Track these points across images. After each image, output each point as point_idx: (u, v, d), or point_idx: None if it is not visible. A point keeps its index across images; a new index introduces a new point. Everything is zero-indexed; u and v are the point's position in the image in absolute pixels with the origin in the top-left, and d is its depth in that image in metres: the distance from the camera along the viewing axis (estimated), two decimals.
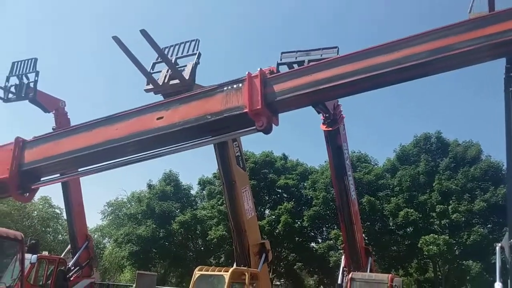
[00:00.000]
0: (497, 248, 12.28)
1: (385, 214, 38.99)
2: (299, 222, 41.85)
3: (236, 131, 5.94)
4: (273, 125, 5.51)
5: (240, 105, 5.49)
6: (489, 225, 37.00)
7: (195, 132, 5.85)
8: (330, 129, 12.85)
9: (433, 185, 37.96)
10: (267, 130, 5.43)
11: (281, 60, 10.77)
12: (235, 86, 5.60)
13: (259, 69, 5.58)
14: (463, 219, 35.71)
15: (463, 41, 4.68)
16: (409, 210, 37.63)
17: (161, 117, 5.90)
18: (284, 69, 9.25)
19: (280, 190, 43.84)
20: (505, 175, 36.47)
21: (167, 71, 10.85)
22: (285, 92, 5.41)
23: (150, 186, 47.57)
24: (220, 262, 41.42)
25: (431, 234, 35.69)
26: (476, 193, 36.57)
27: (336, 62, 5.32)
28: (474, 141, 40.12)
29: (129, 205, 55.15)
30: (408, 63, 4.87)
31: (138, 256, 43.19)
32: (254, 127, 5.46)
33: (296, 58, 10.71)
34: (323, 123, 12.92)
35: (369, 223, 38.03)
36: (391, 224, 39.47)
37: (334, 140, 13.15)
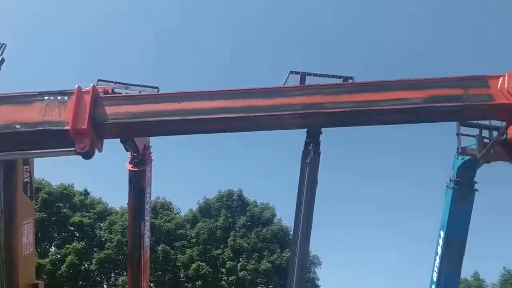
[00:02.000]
0: None
1: (178, 265, 38.79)
2: (86, 265, 38.89)
3: (51, 149, 5.19)
4: (96, 150, 4.96)
5: (61, 120, 4.83)
6: (271, 286, 39.42)
7: None
8: (136, 169, 12.25)
9: (228, 241, 39.36)
10: (88, 155, 4.84)
11: (97, 84, 10.10)
12: (59, 97, 4.94)
13: (92, 85, 5.04)
14: (249, 277, 37.42)
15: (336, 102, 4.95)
16: (201, 263, 38.13)
17: None
18: None
19: (72, 228, 40.51)
20: (291, 240, 39.73)
21: None
22: (119, 116, 4.94)
23: None
24: None
25: None
26: (264, 253, 38.92)
27: (201, 96, 5.07)
28: (271, 204, 43.26)
29: None
30: (285, 112, 4.93)
31: None
32: (74, 149, 4.84)
33: (113, 89, 10.13)
34: (130, 162, 12.26)
35: (160, 273, 37.31)
36: (182, 275, 39.33)
37: (138, 181, 12.54)
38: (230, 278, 37.81)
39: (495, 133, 11.49)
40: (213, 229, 40.18)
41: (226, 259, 38.29)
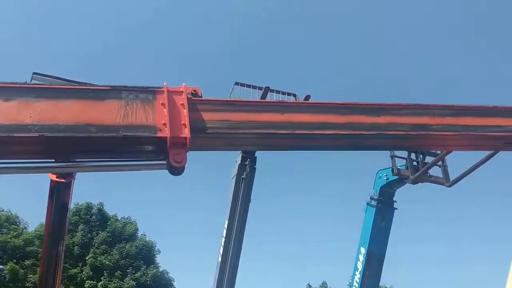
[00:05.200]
0: None
1: (28, 286, 34.41)
2: None
3: (133, 161, 4.12)
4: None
5: (150, 125, 3.87)
6: None
7: (59, 146, 3.83)
8: (63, 180, 10.53)
9: (87, 258, 36.32)
10: (182, 170, 3.94)
11: (31, 81, 8.66)
12: (141, 96, 3.96)
13: (184, 84, 4.11)
14: None
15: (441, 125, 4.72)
16: None
17: None
18: None
19: None
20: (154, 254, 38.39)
21: None
22: (222, 125, 4.10)
23: None
24: None
25: None
26: (128, 270, 36.67)
27: (305, 108, 4.51)
28: (132, 218, 41.09)
29: None
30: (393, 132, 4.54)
31: None
32: (164, 162, 3.90)
33: (50, 84, 8.78)
34: None
35: None
36: None
37: (62, 195, 10.83)
38: None
39: (425, 157, 12.66)
40: (69, 246, 36.60)
41: (85, 278, 35.14)
